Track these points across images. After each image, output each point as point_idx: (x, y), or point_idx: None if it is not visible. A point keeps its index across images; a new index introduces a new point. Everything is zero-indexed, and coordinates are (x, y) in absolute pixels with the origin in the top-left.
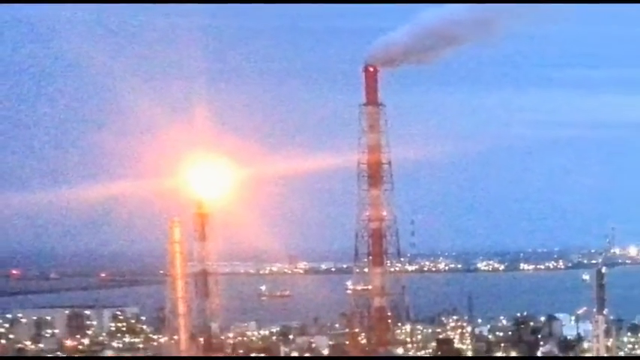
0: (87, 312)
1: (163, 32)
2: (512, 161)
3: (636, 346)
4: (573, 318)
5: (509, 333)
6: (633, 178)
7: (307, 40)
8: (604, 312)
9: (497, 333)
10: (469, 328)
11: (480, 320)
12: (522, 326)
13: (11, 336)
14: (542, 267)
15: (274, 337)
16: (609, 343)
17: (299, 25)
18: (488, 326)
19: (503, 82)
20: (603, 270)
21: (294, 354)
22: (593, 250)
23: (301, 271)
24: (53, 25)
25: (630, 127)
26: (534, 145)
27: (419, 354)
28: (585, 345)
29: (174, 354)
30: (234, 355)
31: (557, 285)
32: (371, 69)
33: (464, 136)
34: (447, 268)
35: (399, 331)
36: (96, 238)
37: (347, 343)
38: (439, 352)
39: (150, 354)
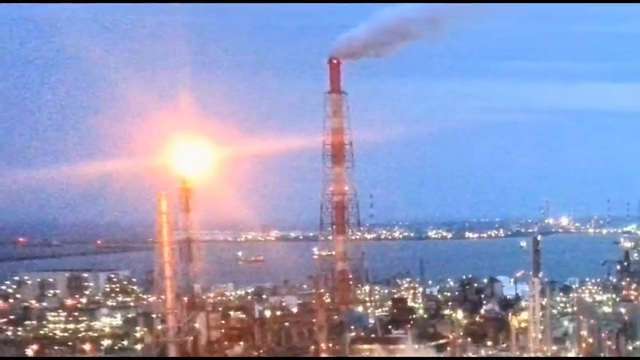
0: (85, 275)
1: (152, 29)
2: (458, 142)
3: (567, 305)
4: (512, 280)
5: (456, 293)
6: (564, 157)
7: (278, 35)
8: (539, 275)
9: (446, 293)
10: (420, 289)
11: (430, 282)
12: (467, 287)
13: (18, 296)
14: (484, 235)
15: (249, 297)
16: (544, 302)
17: (271, 22)
18: (438, 287)
19: (450, 73)
20: (538, 238)
21: (267, 312)
22: (529, 220)
23: (273, 239)
24: (55, 22)
25: (561, 113)
26: (477, 128)
27: (377, 312)
28: (523, 304)
29: (162, 312)
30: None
31: (498, 251)
32: (334, 61)
33: (416, 120)
34: (401, 236)
35: (359, 291)
36: (93, 209)
37: (313, 302)
38: (394, 310)
39: (140, 312)
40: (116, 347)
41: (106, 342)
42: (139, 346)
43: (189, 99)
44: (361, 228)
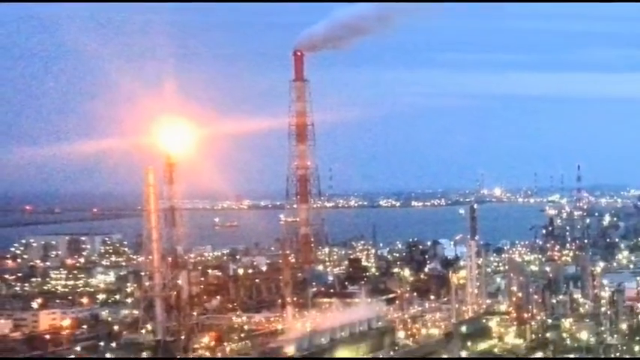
0: (82, 238)
1: (140, 25)
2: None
3: (500, 264)
4: (452, 243)
5: (404, 254)
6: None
7: (250, 31)
8: (475, 238)
9: (395, 254)
10: (373, 251)
11: (381, 244)
12: (413, 249)
13: (25, 256)
14: (428, 204)
15: (225, 257)
16: (479, 262)
17: (244, 19)
18: (388, 249)
19: (398, 64)
20: (475, 206)
21: (240, 270)
22: (467, 191)
23: (245, 207)
24: (57, 19)
25: (492, 98)
26: (421, 111)
27: (335, 270)
28: (461, 263)
29: (149, 270)
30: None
31: (440, 218)
32: (298, 53)
33: (368, 104)
34: (356, 205)
35: (319, 252)
36: (89, 181)
37: (280, 262)
38: (350, 269)
39: (130, 270)
40: (109, 301)
41: (101, 296)
42: (129, 300)
43: (172, 86)
44: (321, 198)
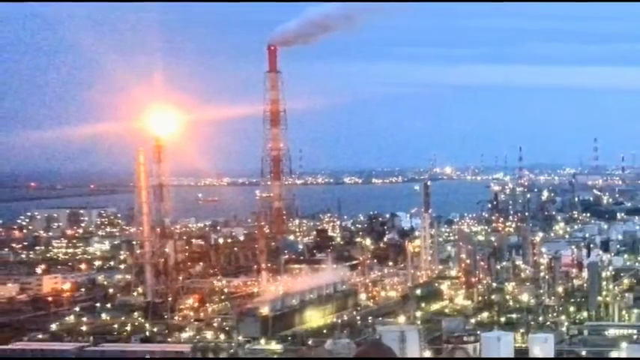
0: (81, 211)
1: (132, 23)
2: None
3: (450, 234)
4: (408, 215)
5: (365, 225)
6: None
7: (229, 28)
8: (429, 211)
9: (357, 225)
10: (338, 222)
11: (345, 217)
12: (374, 221)
13: (30, 227)
14: (387, 181)
15: (207, 228)
16: (432, 232)
17: (224, 18)
18: (351, 221)
19: (361, 57)
20: (428, 183)
21: (220, 240)
22: (421, 169)
23: (225, 184)
24: (58, 17)
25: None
26: (382, 99)
27: (304, 240)
28: (416, 233)
29: (140, 240)
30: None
31: (397, 193)
32: (272, 48)
33: (334, 93)
34: (323, 182)
35: (290, 224)
36: (87, 161)
37: (256, 232)
38: (318, 238)
39: (123, 240)
40: (105, 267)
41: (97, 263)
42: (122, 266)
43: (160, 77)
44: (292, 176)
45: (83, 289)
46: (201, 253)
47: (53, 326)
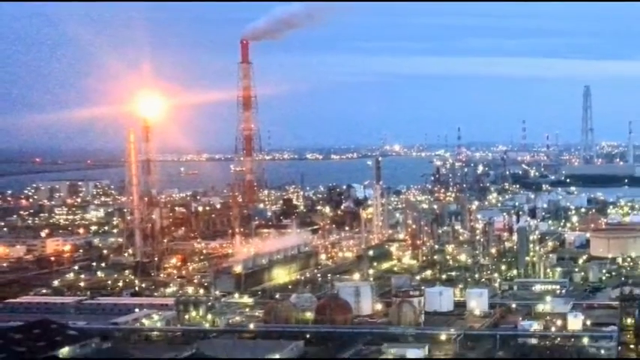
0: (79, 183)
1: (124, 20)
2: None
3: (398, 203)
4: (362, 186)
5: (325, 195)
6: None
7: (207, 25)
8: (380, 183)
9: (318, 195)
10: (301, 193)
11: (307, 188)
12: (332, 191)
13: (35, 197)
14: (344, 157)
15: (188, 198)
16: (383, 201)
17: (204, 16)
18: (313, 191)
19: (321, 49)
20: (379, 159)
21: (200, 208)
22: (373, 147)
23: (204, 159)
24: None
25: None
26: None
27: (272, 208)
28: (369, 202)
29: (130, 208)
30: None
31: (352, 168)
32: (244, 42)
33: (299, 81)
34: (288, 157)
35: (260, 194)
36: (85, 139)
37: (230, 201)
38: (284, 207)
39: (116, 208)
40: (100, 231)
41: (94, 227)
42: (115, 230)
43: (148, 67)
44: (262, 152)
45: (81, 251)
46: (183, 219)
47: (55, 282)
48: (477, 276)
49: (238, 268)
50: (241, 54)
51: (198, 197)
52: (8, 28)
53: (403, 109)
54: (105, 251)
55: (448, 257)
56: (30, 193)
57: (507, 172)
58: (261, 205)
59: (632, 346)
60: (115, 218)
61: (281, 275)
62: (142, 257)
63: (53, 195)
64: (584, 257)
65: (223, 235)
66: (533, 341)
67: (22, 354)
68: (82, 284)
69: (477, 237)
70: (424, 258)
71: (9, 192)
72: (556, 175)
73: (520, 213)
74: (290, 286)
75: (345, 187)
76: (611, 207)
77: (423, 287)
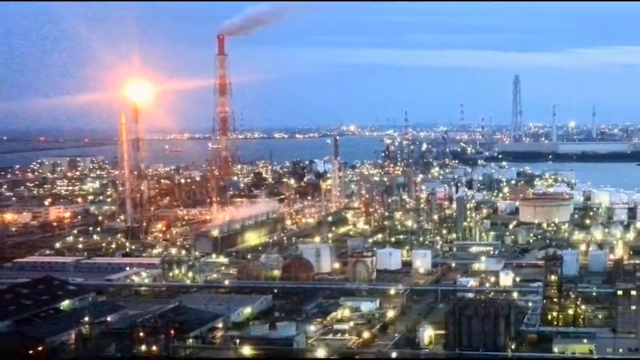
0: (78, 159)
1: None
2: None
3: (354, 176)
4: (322, 162)
5: (290, 169)
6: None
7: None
8: (338, 158)
9: (284, 169)
10: (270, 167)
11: (275, 162)
12: (296, 166)
13: (40, 170)
14: (306, 136)
15: (172, 171)
16: (340, 174)
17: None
18: (279, 166)
19: (289, 43)
20: (337, 138)
21: (182, 180)
22: (332, 127)
23: (185, 138)
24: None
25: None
26: (304, 75)
27: (245, 180)
28: (328, 175)
29: (122, 180)
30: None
31: (314, 145)
32: (220, 37)
33: (268, 71)
34: (258, 137)
35: (234, 168)
36: (82, 121)
37: (208, 174)
38: (255, 179)
39: (110, 180)
40: (96, 200)
41: (90, 197)
42: (109, 199)
43: (138, 58)
44: (235, 132)
45: (79, 217)
46: (168, 190)
47: (57, 244)
48: (421, 239)
49: (215, 232)
50: (218, 47)
51: (180, 171)
52: (16, 25)
53: (358, 95)
54: (100, 217)
55: (396, 223)
56: (35, 168)
57: (447, 150)
58: (235, 178)
59: (555, 300)
60: (108, 189)
61: (252, 238)
62: (132, 223)
63: (55, 169)
64: (514, 223)
65: (202, 204)
66: (470, 295)
67: (29, 306)
68: (80, 246)
69: (422, 205)
70: (376, 223)
71: (17, 166)
72: (490, 152)
73: (459, 184)
74: (260, 248)
75: (307, 162)
76: (537, 179)
77: (374, 249)
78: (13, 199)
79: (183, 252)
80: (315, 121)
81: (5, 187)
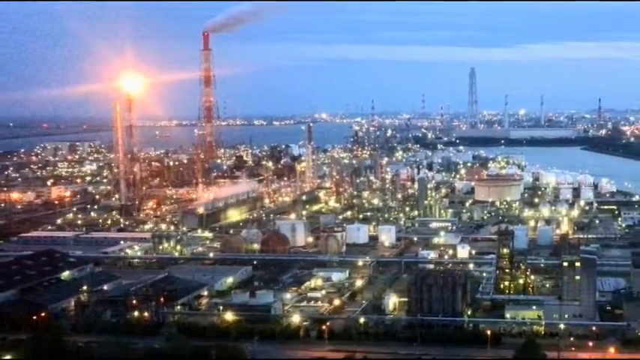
0: (77, 143)
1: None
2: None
3: (326, 159)
4: (297, 146)
5: (268, 153)
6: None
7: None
8: (311, 143)
9: (263, 153)
10: (250, 151)
11: (255, 147)
12: (274, 150)
13: (43, 154)
14: (283, 123)
15: (162, 155)
16: (314, 158)
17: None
18: (259, 150)
19: (266, 40)
20: (311, 124)
21: (171, 162)
22: (306, 115)
23: (174, 125)
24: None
25: (324, 61)
26: (281, 69)
27: (227, 162)
28: (302, 158)
29: (117, 163)
30: None
31: (289, 132)
32: (205, 34)
33: (248, 65)
34: (240, 124)
35: (218, 152)
36: (81, 110)
37: (195, 157)
38: (237, 162)
39: (106, 162)
40: (93, 181)
41: (88, 178)
42: (105, 180)
43: (131, 53)
44: (219, 119)
45: (78, 196)
46: (158, 171)
47: (58, 220)
48: (386, 216)
49: (201, 210)
50: (203, 43)
51: (169, 154)
52: (21, 23)
53: (329, 86)
54: (97, 196)
55: (364, 201)
56: (38, 152)
57: (410, 135)
58: (219, 161)
59: (507, 271)
60: (105, 171)
61: (234, 215)
62: (126, 201)
63: (57, 153)
64: (470, 201)
65: (189, 184)
66: (431, 266)
67: (33, 276)
68: (79, 222)
69: (387, 185)
70: (345, 202)
71: (22, 150)
72: (448, 137)
73: (420, 167)
74: (241, 224)
75: (284, 146)
76: (491, 162)
77: (344, 224)
78: (19, 179)
79: (172, 227)
80: (291, 109)
81: (11, 169)
